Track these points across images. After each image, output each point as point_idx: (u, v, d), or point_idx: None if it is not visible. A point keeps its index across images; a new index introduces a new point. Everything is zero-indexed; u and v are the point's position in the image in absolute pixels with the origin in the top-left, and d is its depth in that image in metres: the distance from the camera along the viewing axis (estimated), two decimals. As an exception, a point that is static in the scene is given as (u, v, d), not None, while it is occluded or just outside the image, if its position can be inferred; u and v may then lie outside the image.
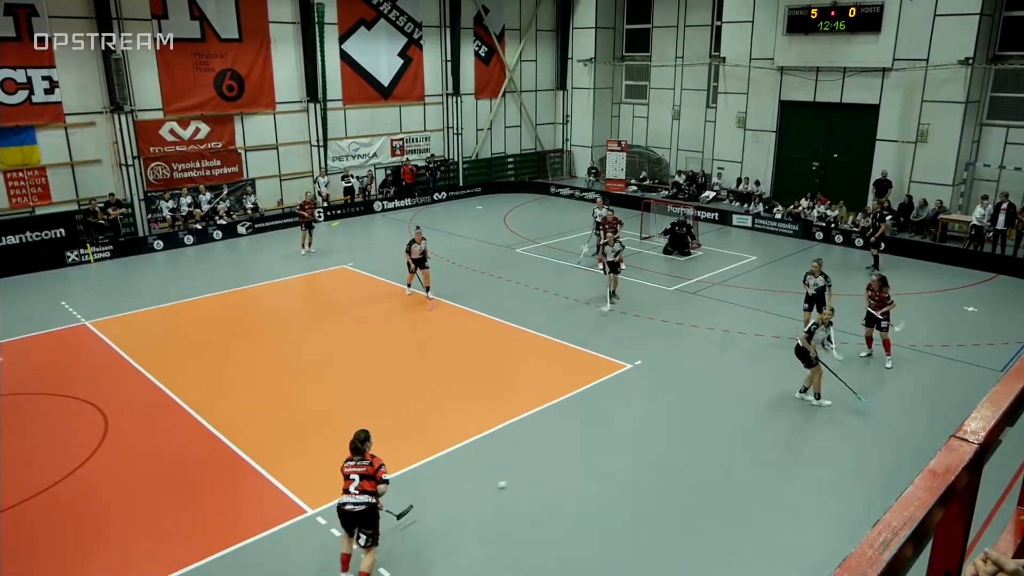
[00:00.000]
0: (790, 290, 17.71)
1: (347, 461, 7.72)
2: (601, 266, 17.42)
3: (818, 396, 11.78)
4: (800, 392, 12.02)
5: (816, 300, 14.24)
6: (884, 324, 13.21)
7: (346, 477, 7.64)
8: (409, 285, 17.18)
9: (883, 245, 19.02)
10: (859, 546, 1.32)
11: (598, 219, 19.54)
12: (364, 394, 12.38)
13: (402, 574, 7.91)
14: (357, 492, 7.53)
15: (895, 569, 1.30)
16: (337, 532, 8.26)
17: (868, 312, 13.42)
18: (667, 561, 8.21)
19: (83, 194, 20.88)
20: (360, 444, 7.72)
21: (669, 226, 21.39)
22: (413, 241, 16.71)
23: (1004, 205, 19.94)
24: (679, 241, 20.91)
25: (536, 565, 8.12)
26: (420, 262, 16.74)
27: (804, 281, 14.47)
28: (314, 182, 25.40)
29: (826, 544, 8.35)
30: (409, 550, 8.33)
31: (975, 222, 20.22)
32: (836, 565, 1.30)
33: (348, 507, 7.54)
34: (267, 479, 9.70)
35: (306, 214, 20.88)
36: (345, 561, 7.81)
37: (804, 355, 11.61)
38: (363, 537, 7.57)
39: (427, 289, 16.89)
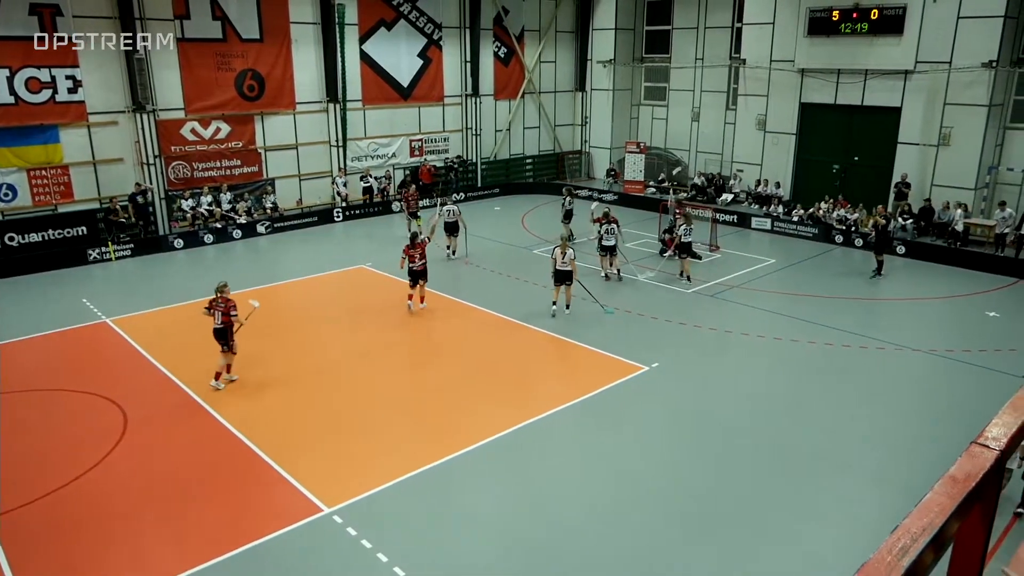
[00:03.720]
0: (810, 293, 17.60)
1: (211, 300, 12.26)
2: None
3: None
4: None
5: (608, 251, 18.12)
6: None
7: (211, 310, 12.20)
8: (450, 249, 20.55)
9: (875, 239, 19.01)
10: (877, 552, 1.31)
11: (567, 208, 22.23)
12: (380, 394, 12.43)
13: (419, 573, 7.93)
14: (220, 321, 12.13)
15: (914, 576, 1.28)
16: (353, 531, 8.43)
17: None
18: (685, 566, 8.17)
19: (105, 193, 21.13)
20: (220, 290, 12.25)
21: (663, 235, 21.46)
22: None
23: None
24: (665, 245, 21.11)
25: (553, 566, 8.11)
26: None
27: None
28: (332, 182, 25.56)
29: (848, 550, 8.26)
30: (425, 549, 8.36)
31: (998, 229, 20.00)
32: (854, 571, 1.29)
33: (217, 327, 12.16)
34: (284, 477, 9.76)
35: (410, 206, 22.95)
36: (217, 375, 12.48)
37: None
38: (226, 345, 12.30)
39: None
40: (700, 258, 20.02)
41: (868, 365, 13.56)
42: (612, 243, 18.14)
